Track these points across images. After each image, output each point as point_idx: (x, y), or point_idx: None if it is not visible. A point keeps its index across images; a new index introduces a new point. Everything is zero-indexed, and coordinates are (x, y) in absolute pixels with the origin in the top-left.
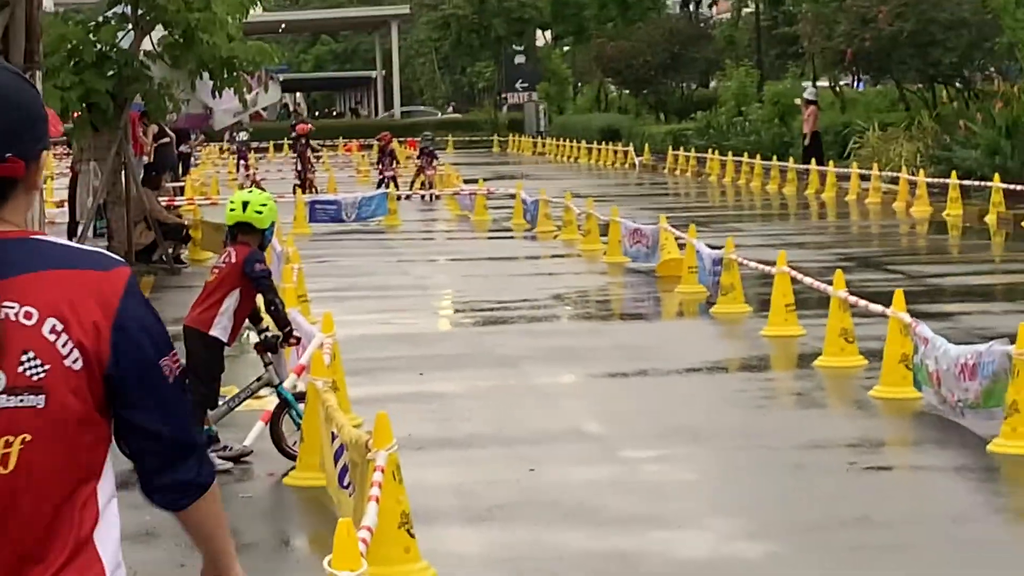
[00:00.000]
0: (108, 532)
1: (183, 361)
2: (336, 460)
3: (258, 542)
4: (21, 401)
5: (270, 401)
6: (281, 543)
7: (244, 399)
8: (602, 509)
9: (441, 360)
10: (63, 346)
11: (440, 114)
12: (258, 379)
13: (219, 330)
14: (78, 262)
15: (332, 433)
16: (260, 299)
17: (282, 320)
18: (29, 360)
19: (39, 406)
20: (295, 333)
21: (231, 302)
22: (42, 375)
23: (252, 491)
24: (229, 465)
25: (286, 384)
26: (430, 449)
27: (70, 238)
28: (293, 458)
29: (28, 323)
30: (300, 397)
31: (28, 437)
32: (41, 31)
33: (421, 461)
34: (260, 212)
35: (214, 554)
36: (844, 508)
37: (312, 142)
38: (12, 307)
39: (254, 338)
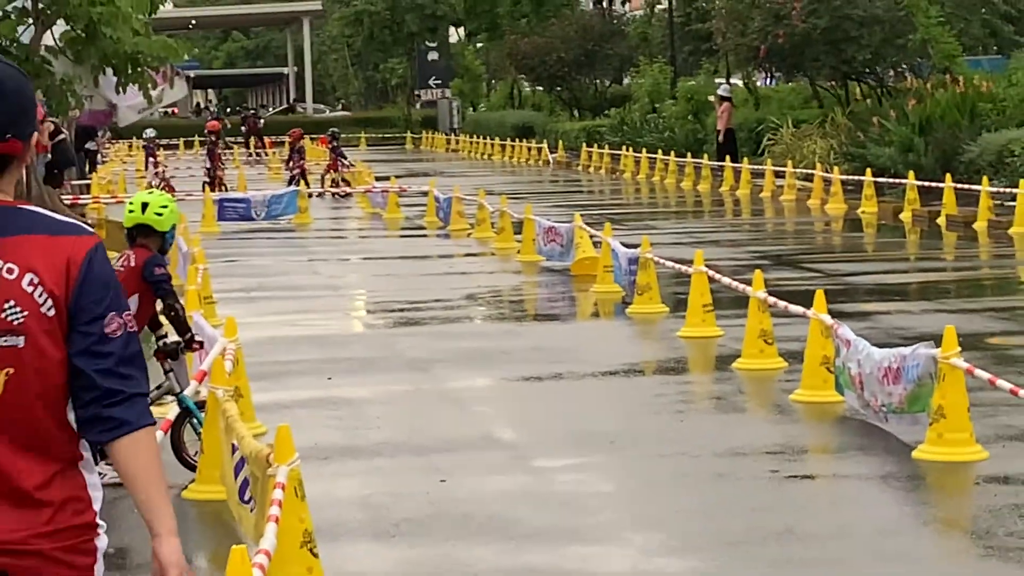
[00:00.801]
0: (88, 460)
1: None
2: (236, 473)
3: (148, 563)
4: (5, 341)
5: (173, 409)
6: None
7: None
8: (515, 523)
9: (350, 364)
10: (39, 296)
11: (329, 111)
12: (158, 387)
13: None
14: (57, 229)
15: (232, 445)
16: (159, 304)
17: (183, 325)
18: (10, 307)
19: (19, 346)
20: (197, 338)
21: (131, 307)
22: (21, 320)
23: None
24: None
25: (188, 391)
26: (336, 459)
27: None
28: (194, 469)
29: (10, 277)
30: (202, 405)
31: (11, 371)
32: None
33: (326, 472)
34: (160, 214)
35: (142, 506)
36: (767, 520)
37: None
38: (3, 265)
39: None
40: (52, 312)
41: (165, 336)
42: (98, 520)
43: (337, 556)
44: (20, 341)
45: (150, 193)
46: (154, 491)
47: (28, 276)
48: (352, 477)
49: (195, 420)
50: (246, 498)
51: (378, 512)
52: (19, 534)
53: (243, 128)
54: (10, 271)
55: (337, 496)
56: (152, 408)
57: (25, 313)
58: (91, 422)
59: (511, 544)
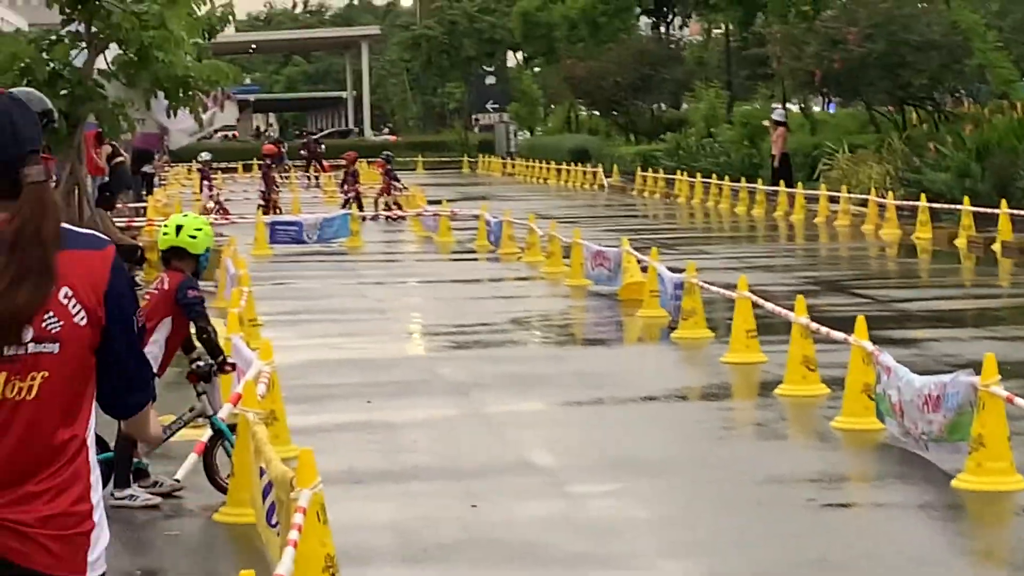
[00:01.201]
0: (92, 455)
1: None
2: (264, 497)
3: None
4: (43, 347)
5: (206, 432)
6: None
7: (177, 430)
8: (547, 548)
9: (391, 387)
10: (73, 307)
11: (375, 135)
12: (191, 409)
13: (149, 359)
14: (82, 244)
15: (261, 468)
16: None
17: (215, 348)
18: (50, 318)
19: (55, 352)
20: (229, 360)
21: (162, 331)
22: (58, 329)
23: (180, 528)
24: (158, 500)
25: (222, 414)
26: (370, 482)
27: None
28: (225, 492)
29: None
30: (235, 428)
31: (46, 374)
32: None
33: (360, 495)
34: (194, 237)
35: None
36: (803, 548)
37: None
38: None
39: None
40: (84, 322)
41: (198, 359)
42: (95, 521)
43: None
44: (56, 348)
45: (184, 216)
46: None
47: (64, 290)
48: (385, 501)
49: (227, 443)
50: (273, 522)
51: (409, 537)
52: (23, 513)
53: (303, 152)
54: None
55: (369, 520)
56: (184, 430)
57: (61, 323)
58: (115, 407)
59: (541, 570)
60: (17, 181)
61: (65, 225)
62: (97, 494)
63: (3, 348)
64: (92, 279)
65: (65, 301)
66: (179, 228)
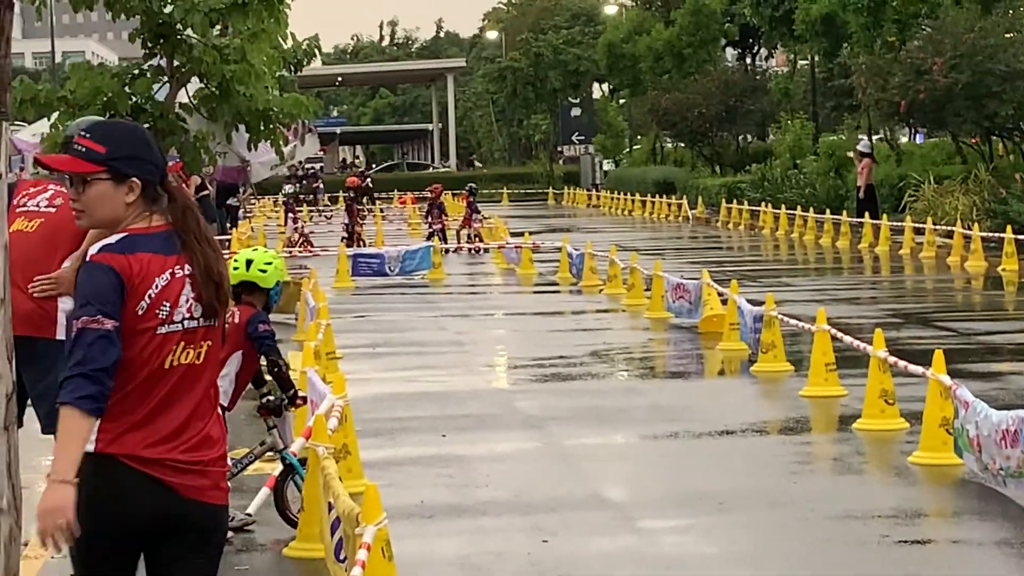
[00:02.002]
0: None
1: None
2: (332, 532)
3: None
4: (209, 322)
5: (278, 466)
6: None
7: (247, 464)
8: None
9: (466, 421)
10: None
11: (433, 168)
12: (262, 443)
13: (220, 394)
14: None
15: (329, 503)
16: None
17: (286, 382)
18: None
19: (215, 326)
20: (300, 394)
21: (233, 365)
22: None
23: (250, 563)
24: (229, 535)
25: (294, 448)
26: (441, 517)
27: None
28: (296, 526)
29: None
30: (305, 462)
31: (210, 342)
32: (9, 81)
33: (430, 531)
34: (264, 271)
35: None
36: None
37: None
38: (190, 268)
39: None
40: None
41: (268, 393)
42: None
43: None
44: (214, 321)
45: (254, 250)
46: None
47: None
48: (455, 536)
49: (298, 477)
50: (341, 557)
51: (476, 573)
52: (199, 455)
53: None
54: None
55: (438, 555)
56: (257, 464)
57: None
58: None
59: None
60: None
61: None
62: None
63: (183, 321)
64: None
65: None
66: (249, 263)
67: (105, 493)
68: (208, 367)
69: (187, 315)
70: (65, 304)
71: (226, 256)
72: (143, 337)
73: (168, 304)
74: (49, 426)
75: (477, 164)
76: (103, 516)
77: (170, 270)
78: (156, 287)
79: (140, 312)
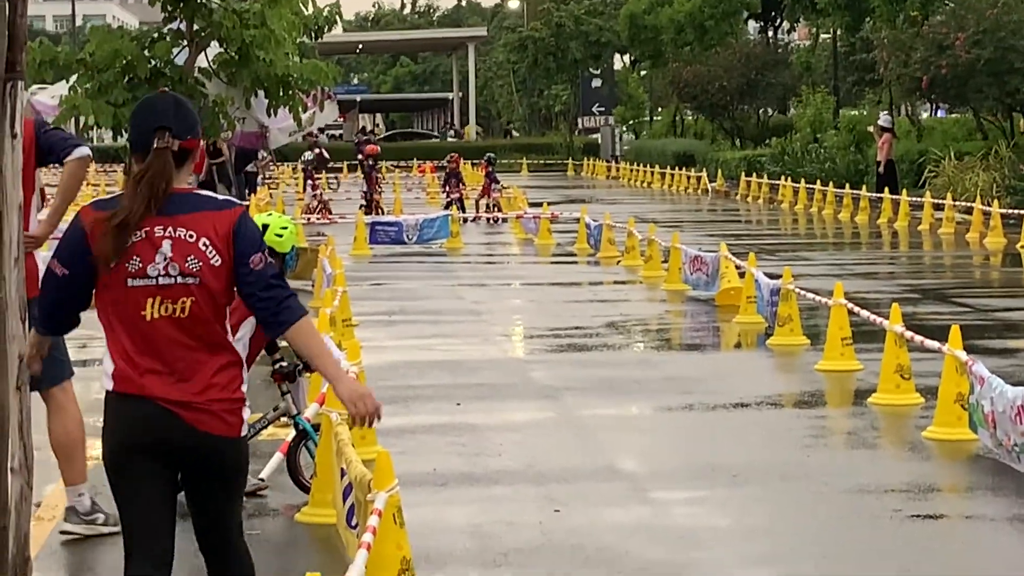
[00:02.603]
0: (242, 368)
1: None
2: (345, 498)
3: None
4: (188, 280)
5: (291, 432)
6: None
7: (260, 430)
8: (626, 555)
9: (481, 390)
10: (209, 252)
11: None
12: (275, 409)
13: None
14: (217, 205)
15: (342, 469)
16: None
17: None
18: (191, 260)
19: (196, 284)
20: None
21: (246, 330)
22: (197, 268)
23: (262, 528)
24: (242, 499)
25: (308, 413)
26: (453, 485)
27: None
28: (309, 492)
29: (191, 240)
30: (319, 428)
31: (193, 299)
32: (26, 40)
33: (442, 498)
34: (280, 235)
35: (321, 370)
36: (886, 560)
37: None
38: (184, 231)
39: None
40: (218, 261)
41: (281, 359)
42: (245, 399)
43: None
44: (197, 280)
45: (269, 215)
46: (322, 357)
47: (203, 239)
48: (467, 504)
49: (311, 443)
50: (353, 523)
51: (488, 541)
52: (200, 397)
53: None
54: (191, 236)
55: (449, 523)
56: (271, 430)
57: (200, 263)
58: (268, 325)
59: None
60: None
61: (207, 192)
62: (244, 387)
63: (157, 278)
64: (225, 230)
65: (203, 247)
66: (265, 227)
67: (120, 420)
68: (193, 321)
69: (162, 272)
70: (40, 259)
71: None
72: (116, 288)
73: (139, 258)
74: (44, 381)
75: (515, 133)
76: (121, 440)
77: (147, 228)
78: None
79: (112, 264)
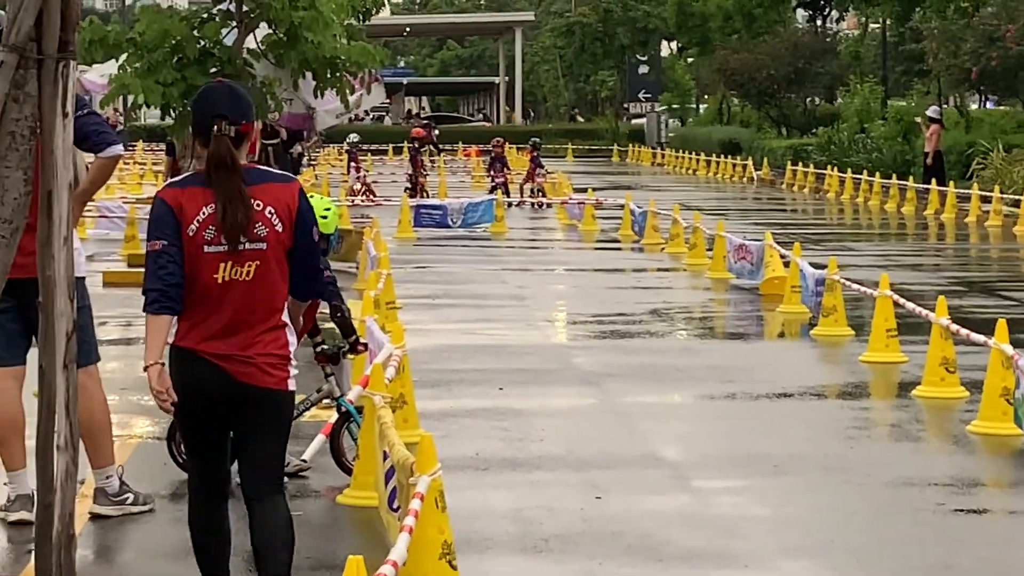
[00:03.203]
0: (289, 331)
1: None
2: (387, 481)
3: (300, 566)
4: (256, 246)
5: (335, 414)
6: (324, 568)
7: (303, 411)
8: (666, 543)
9: (524, 375)
10: (274, 219)
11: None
12: (318, 391)
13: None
14: (280, 179)
15: (384, 452)
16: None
17: (348, 328)
18: (259, 227)
19: (263, 248)
20: (362, 341)
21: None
22: (265, 233)
23: (304, 509)
24: (284, 480)
25: (351, 395)
26: (495, 470)
27: None
28: (351, 474)
29: (259, 208)
30: (362, 410)
31: (259, 263)
32: (78, 20)
33: (484, 483)
34: (325, 217)
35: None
36: (927, 554)
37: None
38: (252, 201)
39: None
40: (281, 228)
41: (323, 342)
42: (292, 358)
43: (480, 570)
44: (263, 245)
45: (311, 197)
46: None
47: (268, 208)
48: (508, 489)
49: (354, 425)
50: (395, 506)
51: (529, 526)
52: (249, 351)
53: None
54: (259, 205)
55: (490, 508)
56: (314, 411)
57: (267, 229)
58: (298, 291)
59: (658, 565)
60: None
61: (269, 168)
62: (293, 347)
63: (234, 246)
64: (288, 201)
65: (269, 215)
66: None
67: (180, 374)
68: (257, 284)
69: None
70: (76, 244)
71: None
72: (194, 255)
73: (214, 228)
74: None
75: (579, 119)
76: (181, 390)
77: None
78: (203, 214)
79: (191, 234)
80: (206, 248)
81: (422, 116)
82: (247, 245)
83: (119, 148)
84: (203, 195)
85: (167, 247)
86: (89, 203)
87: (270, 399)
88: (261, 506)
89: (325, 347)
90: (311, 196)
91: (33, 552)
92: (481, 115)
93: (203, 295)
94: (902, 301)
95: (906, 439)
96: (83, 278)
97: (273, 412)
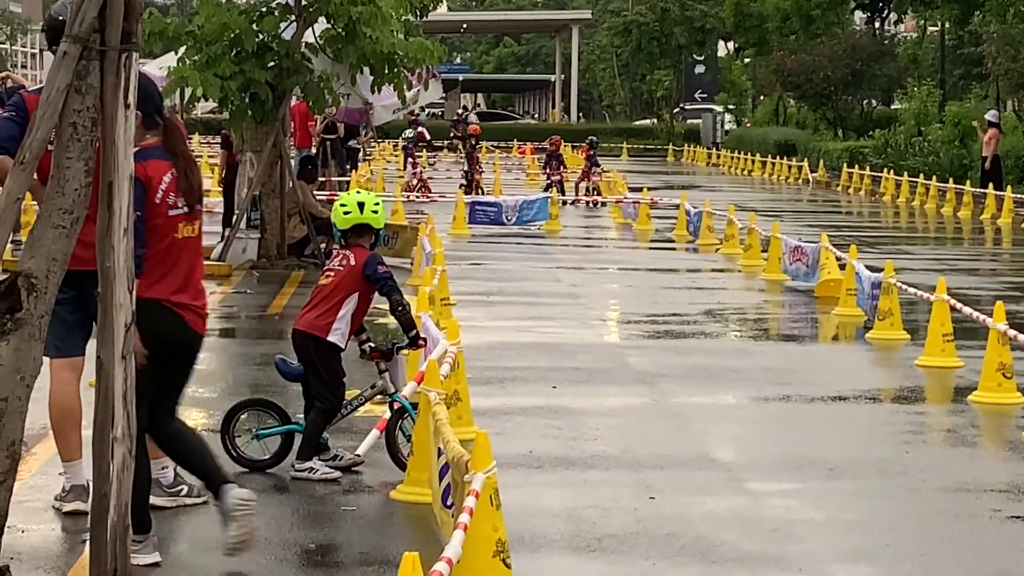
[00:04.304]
0: None
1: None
2: (441, 477)
3: (353, 561)
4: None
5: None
6: (378, 563)
7: (357, 407)
8: (720, 546)
9: (577, 373)
10: None
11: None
12: (372, 386)
13: (337, 336)
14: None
15: (439, 449)
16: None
17: (409, 323)
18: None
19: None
20: (423, 336)
21: (349, 307)
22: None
23: (357, 504)
24: (337, 475)
25: (406, 391)
26: (548, 468)
27: (225, 228)
28: (406, 470)
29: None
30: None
31: (199, 222)
32: (141, 11)
33: (537, 481)
34: (376, 212)
35: None
36: (982, 561)
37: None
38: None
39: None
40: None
41: (368, 340)
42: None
43: (533, 568)
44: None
45: (358, 192)
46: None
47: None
48: (562, 488)
49: (409, 421)
50: (448, 503)
51: (582, 526)
52: (198, 301)
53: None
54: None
55: (544, 506)
56: (370, 406)
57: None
58: None
59: (712, 567)
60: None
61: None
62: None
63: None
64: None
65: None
66: (361, 205)
67: (154, 325)
68: (200, 239)
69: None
70: None
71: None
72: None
73: (173, 194)
74: None
75: (653, 121)
76: (155, 339)
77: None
78: (164, 183)
79: (157, 201)
80: (170, 212)
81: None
82: (197, 206)
83: None
84: (165, 165)
85: (139, 219)
86: None
87: (199, 342)
88: (174, 422)
89: (372, 344)
90: (357, 191)
91: (88, 542)
92: (527, 114)
93: (166, 252)
94: (959, 306)
95: (962, 444)
96: None
97: (197, 352)
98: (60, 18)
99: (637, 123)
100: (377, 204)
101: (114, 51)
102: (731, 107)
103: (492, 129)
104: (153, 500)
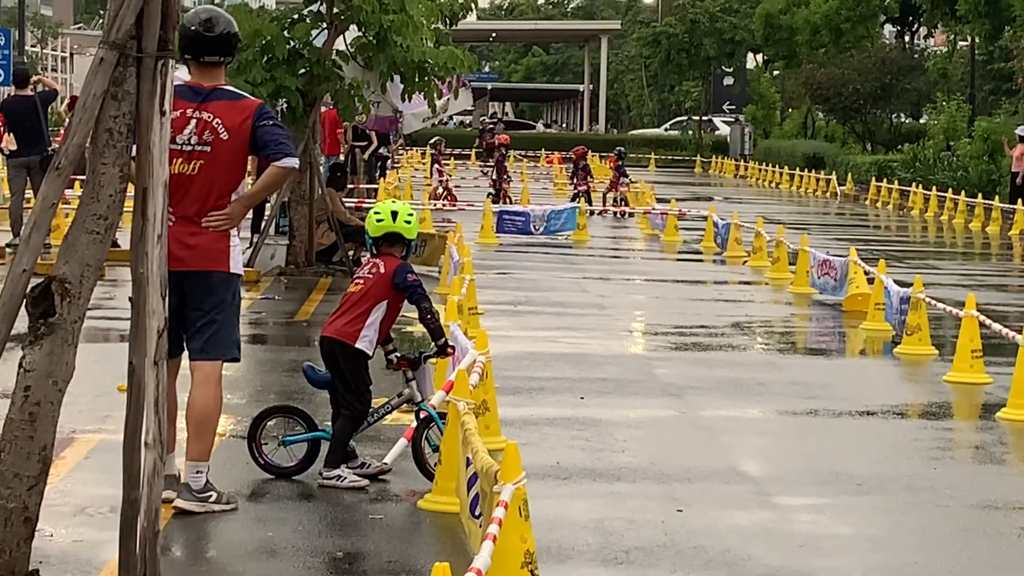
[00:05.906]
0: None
1: None
2: (469, 487)
3: (380, 570)
4: (200, 148)
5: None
6: (405, 573)
7: (384, 415)
8: (747, 560)
9: (604, 384)
10: (220, 128)
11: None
12: (399, 395)
13: (365, 343)
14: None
15: (467, 458)
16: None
17: (437, 330)
18: (207, 134)
19: (207, 151)
20: (451, 344)
21: (378, 314)
22: (211, 139)
23: (384, 512)
24: (365, 483)
25: (434, 400)
26: (576, 480)
27: (254, 234)
28: (433, 479)
29: (210, 120)
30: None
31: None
32: (178, 19)
33: (564, 492)
34: (409, 222)
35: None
36: None
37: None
38: (207, 115)
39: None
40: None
41: (394, 350)
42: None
43: None
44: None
45: (393, 202)
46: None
47: (216, 120)
48: (589, 499)
49: (435, 430)
50: (477, 513)
51: (609, 538)
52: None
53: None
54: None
55: (571, 518)
56: (397, 415)
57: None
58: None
59: None
60: None
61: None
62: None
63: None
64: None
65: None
66: (394, 214)
67: None
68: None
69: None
70: (235, 240)
71: (372, 206)
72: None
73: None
74: (205, 352)
75: (688, 132)
76: None
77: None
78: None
79: None
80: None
81: (491, 121)
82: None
83: (294, 161)
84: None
85: None
86: None
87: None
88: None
89: (397, 354)
90: (392, 201)
91: (117, 545)
92: (543, 123)
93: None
94: (988, 322)
95: (990, 461)
96: (239, 275)
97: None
98: (192, 28)
99: (650, 131)
100: (411, 215)
101: (150, 58)
102: (750, 119)
103: (513, 138)
104: (183, 504)
